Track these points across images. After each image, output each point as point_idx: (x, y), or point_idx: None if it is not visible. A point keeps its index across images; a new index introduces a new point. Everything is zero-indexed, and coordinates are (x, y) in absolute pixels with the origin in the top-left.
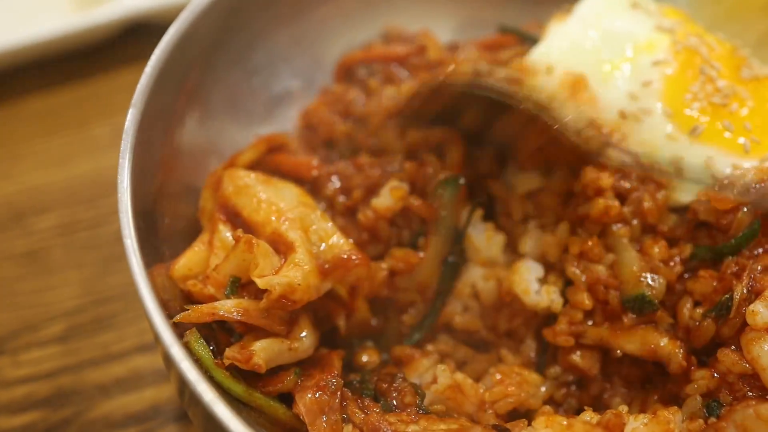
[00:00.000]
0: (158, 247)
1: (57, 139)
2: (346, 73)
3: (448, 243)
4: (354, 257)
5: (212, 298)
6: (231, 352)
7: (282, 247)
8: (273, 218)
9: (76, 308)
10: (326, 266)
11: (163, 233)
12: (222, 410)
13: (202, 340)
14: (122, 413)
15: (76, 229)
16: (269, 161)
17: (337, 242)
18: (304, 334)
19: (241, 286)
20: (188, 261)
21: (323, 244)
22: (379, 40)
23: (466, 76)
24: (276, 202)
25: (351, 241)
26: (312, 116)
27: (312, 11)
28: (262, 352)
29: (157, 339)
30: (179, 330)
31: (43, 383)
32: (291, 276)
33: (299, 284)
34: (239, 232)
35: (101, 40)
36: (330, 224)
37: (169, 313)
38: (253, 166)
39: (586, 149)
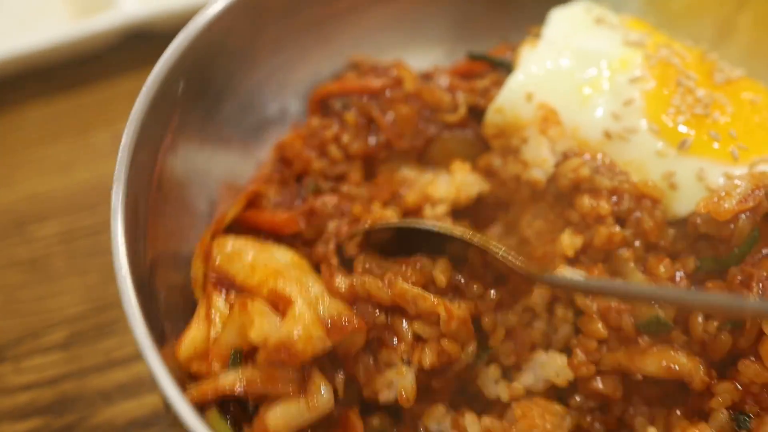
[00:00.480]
0: (158, 317)
1: (57, 147)
2: (320, 105)
3: None
4: (350, 323)
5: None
6: (250, 430)
7: (281, 305)
8: (269, 278)
9: (77, 315)
10: (328, 324)
11: (161, 305)
12: None
13: (222, 420)
14: (125, 419)
15: (78, 236)
16: (245, 218)
17: (334, 305)
18: (322, 388)
19: (246, 356)
20: (191, 341)
21: (321, 306)
22: (350, 71)
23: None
24: (270, 264)
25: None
26: (286, 150)
27: (284, 50)
28: (277, 419)
29: (171, 412)
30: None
31: (45, 390)
32: (288, 327)
33: (299, 335)
34: (233, 297)
35: (101, 48)
36: (322, 286)
37: (182, 387)
38: (232, 224)
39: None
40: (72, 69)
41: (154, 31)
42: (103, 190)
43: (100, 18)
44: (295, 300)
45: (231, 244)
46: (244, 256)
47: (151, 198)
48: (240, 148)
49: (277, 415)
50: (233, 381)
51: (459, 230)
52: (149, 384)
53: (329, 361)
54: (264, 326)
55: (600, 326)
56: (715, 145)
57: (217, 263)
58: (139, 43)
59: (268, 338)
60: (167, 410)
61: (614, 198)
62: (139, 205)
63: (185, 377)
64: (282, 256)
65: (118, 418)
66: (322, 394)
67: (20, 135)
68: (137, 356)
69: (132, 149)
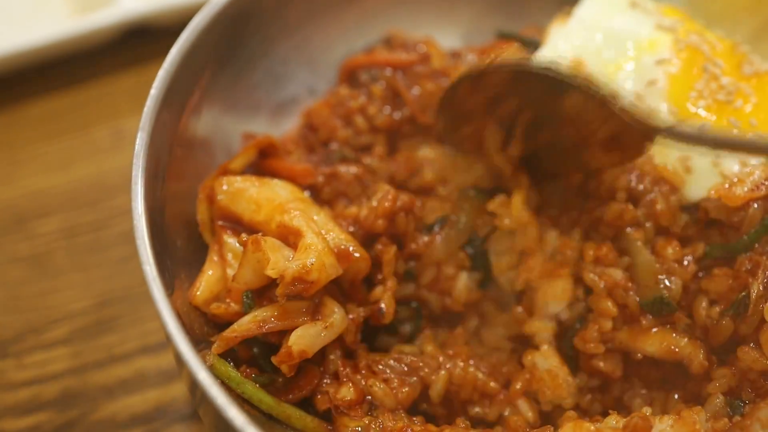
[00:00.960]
0: (173, 268)
1: (58, 143)
2: (350, 76)
3: (463, 239)
4: (356, 252)
5: (239, 315)
6: (276, 359)
7: (291, 238)
8: (275, 213)
9: (79, 311)
10: (336, 251)
11: (177, 253)
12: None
13: (224, 361)
14: (127, 414)
15: (79, 232)
16: (263, 166)
17: (339, 235)
18: (335, 310)
19: (261, 294)
20: (207, 284)
21: (327, 234)
22: (382, 45)
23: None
24: (273, 198)
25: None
26: (314, 117)
27: (316, 20)
28: (299, 340)
29: (182, 366)
30: (201, 353)
31: (48, 385)
32: (302, 258)
33: (312, 264)
34: (243, 236)
35: (101, 44)
36: (326, 216)
37: (194, 339)
38: (246, 172)
39: (652, 128)
40: (72, 66)
41: (154, 28)
42: (104, 186)
43: (100, 14)
44: (305, 232)
45: (232, 182)
46: (247, 193)
47: (173, 151)
48: (268, 116)
49: (297, 336)
50: (248, 325)
51: (580, 79)
52: (152, 379)
53: (336, 288)
54: (279, 261)
55: (610, 304)
56: (734, 132)
57: (222, 203)
58: (138, 39)
59: (285, 271)
60: (179, 364)
61: (632, 176)
62: (160, 158)
63: (203, 324)
64: (283, 189)
65: (120, 414)
66: (336, 315)
67: (21, 132)
68: (139, 351)
69: (159, 103)
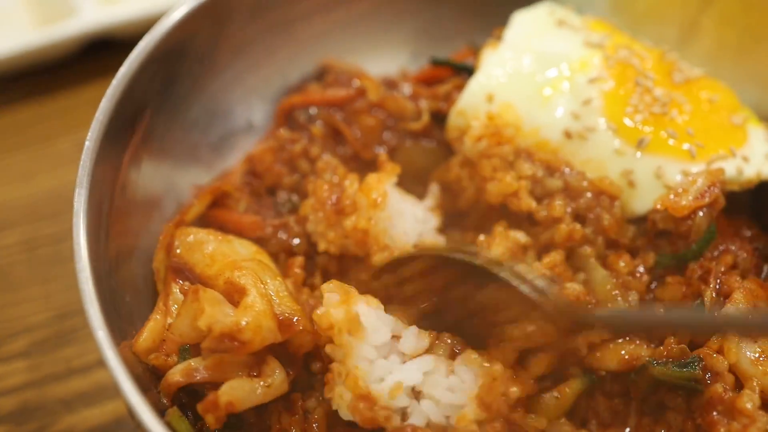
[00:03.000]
0: (120, 316)
1: (20, 155)
2: (287, 117)
3: None
4: (300, 325)
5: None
6: (201, 406)
7: (237, 296)
8: (226, 269)
9: (39, 323)
10: (280, 318)
11: (126, 306)
12: None
13: (183, 416)
14: (86, 426)
15: (40, 244)
16: (212, 216)
17: (288, 304)
18: (276, 371)
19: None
20: (150, 333)
21: (275, 300)
22: (316, 81)
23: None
24: (229, 254)
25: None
26: (256, 163)
27: (248, 55)
28: (230, 391)
29: (134, 417)
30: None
31: (6, 399)
32: (237, 316)
33: (247, 323)
34: (186, 285)
35: (63, 56)
36: (280, 282)
37: (143, 388)
38: (195, 224)
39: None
40: (33, 77)
41: (116, 39)
42: (65, 198)
43: (61, 26)
44: (249, 291)
45: (193, 234)
46: (205, 246)
47: (115, 201)
48: (208, 154)
49: (229, 387)
50: (176, 374)
51: (505, 270)
52: (110, 391)
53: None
54: (215, 315)
55: None
56: (672, 143)
57: (178, 252)
58: (100, 51)
59: (214, 326)
60: (130, 414)
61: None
62: (102, 209)
63: (149, 375)
64: (243, 249)
65: (79, 426)
66: (276, 376)
67: None
68: (98, 364)
69: (95, 154)
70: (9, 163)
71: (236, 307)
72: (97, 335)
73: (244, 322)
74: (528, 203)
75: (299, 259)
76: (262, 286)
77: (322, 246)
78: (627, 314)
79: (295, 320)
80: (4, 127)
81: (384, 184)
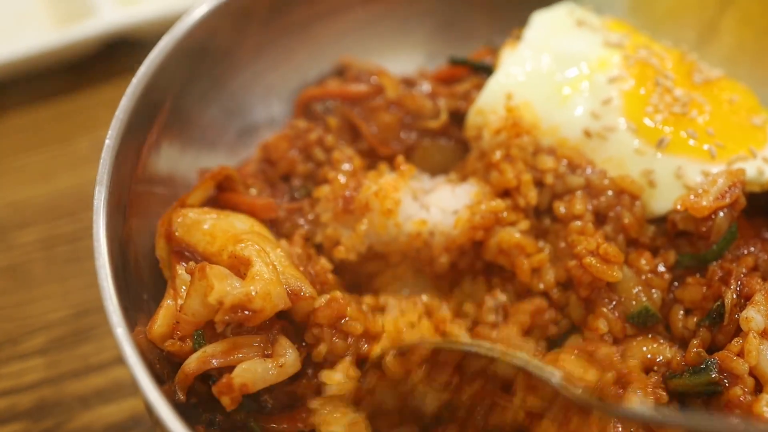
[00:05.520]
0: (139, 313)
1: (39, 154)
2: (305, 108)
3: None
4: (304, 290)
5: (192, 351)
6: (216, 389)
7: (242, 268)
8: (228, 244)
9: (56, 321)
10: (286, 287)
11: (144, 302)
12: None
13: None
14: (102, 424)
15: (58, 243)
16: (222, 199)
17: (292, 273)
18: (288, 351)
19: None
20: (162, 320)
21: (279, 268)
22: (335, 75)
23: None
24: (228, 230)
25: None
26: (271, 151)
27: (268, 53)
28: (243, 373)
29: (152, 415)
30: (169, 393)
31: (24, 395)
32: (246, 286)
33: (257, 292)
34: (191, 264)
35: (82, 56)
36: (281, 252)
37: (157, 377)
38: (205, 207)
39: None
40: (53, 77)
41: (135, 39)
42: (83, 197)
43: (81, 26)
44: (254, 261)
45: (189, 215)
46: (202, 225)
47: (134, 199)
48: (226, 151)
49: (242, 369)
50: (194, 363)
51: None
52: (127, 389)
53: (293, 330)
54: (224, 289)
55: (601, 323)
56: (692, 143)
57: (177, 235)
58: (119, 50)
59: (225, 299)
60: (148, 412)
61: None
62: (121, 206)
63: (166, 366)
64: (241, 223)
65: (96, 423)
66: (288, 355)
67: (2, 142)
68: (115, 361)
69: (116, 152)
70: (28, 162)
71: (243, 279)
72: (116, 332)
73: (253, 292)
74: (532, 197)
75: (303, 231)
76: (266, 256)
77: (340, 253)
78: (656, 414)
79: (302, 288)
80: (23, 126)
81: (400, 192)
